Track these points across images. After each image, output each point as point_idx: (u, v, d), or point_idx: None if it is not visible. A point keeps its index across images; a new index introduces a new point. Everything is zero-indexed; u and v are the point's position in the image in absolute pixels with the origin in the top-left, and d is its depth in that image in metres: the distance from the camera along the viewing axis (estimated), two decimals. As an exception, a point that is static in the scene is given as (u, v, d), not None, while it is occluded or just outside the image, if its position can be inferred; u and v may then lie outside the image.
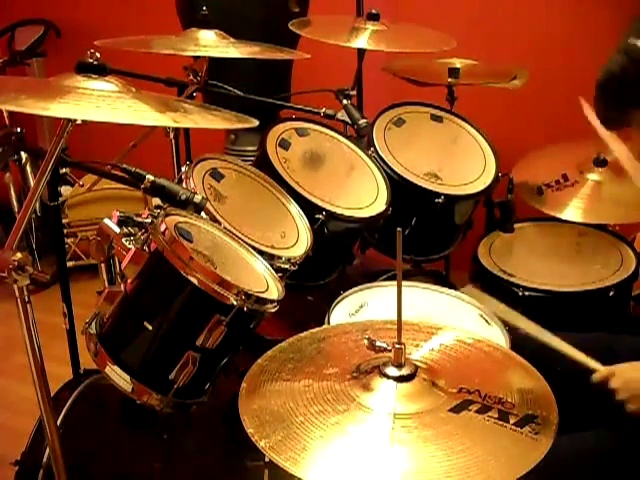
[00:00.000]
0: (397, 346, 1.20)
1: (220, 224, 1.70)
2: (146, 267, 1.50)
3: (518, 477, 1.06)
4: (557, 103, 3.08)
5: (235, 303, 1.46)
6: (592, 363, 1.53)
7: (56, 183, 1.98)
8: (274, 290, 1.60)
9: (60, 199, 2.01)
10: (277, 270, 1.69)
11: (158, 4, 3.24)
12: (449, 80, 2.58)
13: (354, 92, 2.20)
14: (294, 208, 1.91)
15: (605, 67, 1.45)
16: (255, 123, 1.54)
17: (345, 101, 2.14)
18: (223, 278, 1.47)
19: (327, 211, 1.92)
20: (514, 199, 2.28)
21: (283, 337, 1.40)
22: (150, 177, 1.56)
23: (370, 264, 2.47)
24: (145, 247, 1.50)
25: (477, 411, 1.16)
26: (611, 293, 2.11)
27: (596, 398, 1.58)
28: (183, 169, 1.81)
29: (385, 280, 2.01)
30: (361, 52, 2.51)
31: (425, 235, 2.23)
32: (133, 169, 1.58)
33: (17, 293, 1.32)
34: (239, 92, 2.27)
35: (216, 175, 1.85)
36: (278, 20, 2.69)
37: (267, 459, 1.12)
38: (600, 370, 1.51)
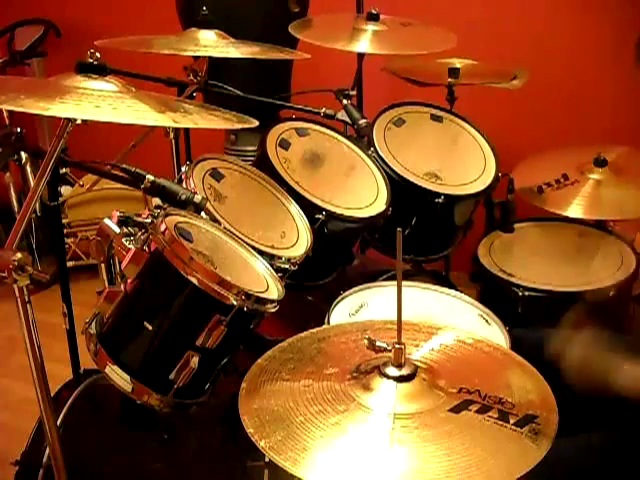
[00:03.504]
0: (397, 346, 1.20)
1: (220, 224, 1.70)
2: (146, 267, 1.50)
3: (518, 477, 1.06)
4: (557, 103, 3.09)
5: (235, 303, 1.46)
6: None
7: (56, 183, 1.98)
8: (274, 290, 1.60)
9: (60, 199, 2.01)
10: (277, 270, 1.69)
11: (158, 4, 3.25)
12: (449, 80, 2.58)
13: (354, 92, 2.20)
14: (294, 208, 1.91)
15: None
16: (255, 123, 1.54)
17: (345, 101, 2.14)
18: (223, 278, 1.47)
19: (327, 211, 1.92)
20: (514, 199, 2.28)
21: (283, 337, 1.40)
22: (150, 177, 1.56)
23: (370, 264, 2.47)
24: (145, 247, 1.50)
25: (477, 411, 1.16)
26: (611, 293, 2.11)
27: (595, 399, 1.58)
28: (183, 169, 1.81)
29: (385, 280, 2.01)
30: (361, 53, 2.51)
31: (425, 235, 2.23)
32: (133, 169, 1.58)
33: (17, 293, 1.32)
34: (239, 92, 2.27)
35: (216, 175, 1.85)
36: (278, 20, 2.69)
37: (267, 459, 1.12)
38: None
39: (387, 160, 2.16)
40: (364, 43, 2.37)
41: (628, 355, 1.48)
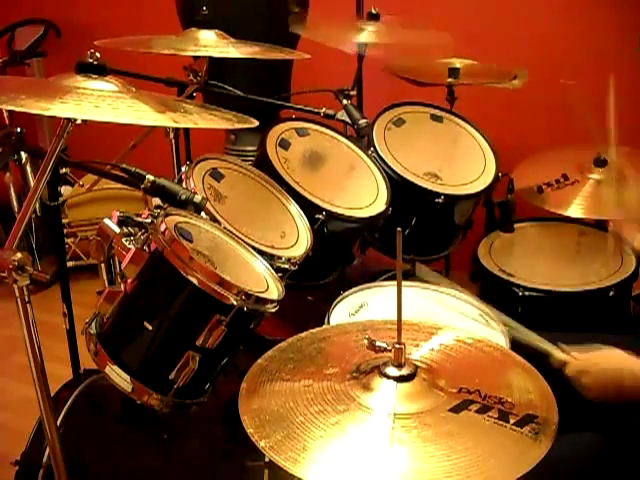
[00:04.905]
0: (397, 346, 1.20)
1: (220, 224, 1.70)
2: (146, 267, 1.50)
3: (518, 477, 1.06)
4: (557, 103, 3.08)
5: (235, 303, 1.46)
6: (547, 347, 1.55)
7: (56, 183, 1.98)
8: (274, 290, 1.60)
9: (60, 199, 2.01)
10: (277, 270, 1.69)
11: (158, 4, 3.25)
12: (449, 80, 2.58)
13: (354, 92, 2.20)
14: (294, 208, 1.91)
15: None
16: (255, 123, 1.54)
17: (345, 101, 2.14)
18: (223, 278, 1.47)
19: (327, 211, 1.92)
20: (514, 199, 2.28)
21: (283, 337, 1.40)
22: (150, 177, 1.56)
23: (370, 264, 2.47)
24: (145, 247, 1.50)
25: (477, 411, 1.16)
26: (611, 293, 2.11)
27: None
28: (183, 169, 1.81)
29: (385, 280, 2.01)
30: (361, 52, 2.52)
31: (425, 235, 2.23)
32: (133, 169, 1.58)
33: (17, 293, 1.32)
34: (239, 92, 2.27)
35: (216, 175, 1.85)
36: (278, 20, 2.69)
37: (267, 459, 1.12)
38: (557, 356, 1.54)
39: (387, 160, 2.16)
40: (363, 36, 2.37)
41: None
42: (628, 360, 1.48)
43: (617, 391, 1.47)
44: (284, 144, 2.06)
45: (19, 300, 1.32)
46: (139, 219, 1.55)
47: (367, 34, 2.41)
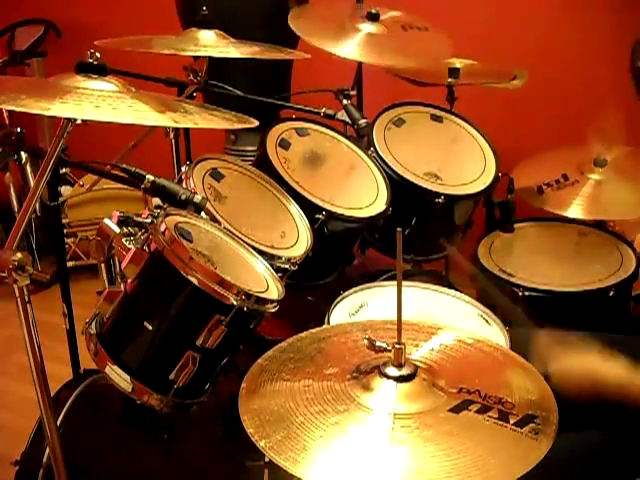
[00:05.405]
0: (397, 346, 1.20)
1: (220, 224, 1.70)
2: (146, 267, 1.50)
3: (518, 477, 1.06)
4: (557, 103, 3.09)
5: (235, 303, 1.46)
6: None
7: (56, 183, 1.98)
8: (274, 290, 1.60)
9: (60, 199, 2.01)
10: (277, 270, 1.69)
11: (158, 4, 3.25)
12: (449, 80, 2.58)
13: (354, 92, 2.20)
14: (294, 208, 1.91)
15: None
16: (255, 123, 1.54)
17: (345, 101, 2.14)
18: (223, 278, 1.47)
19: (327, 211, 1.92)
20: (514, 199, 2.28)
21: (283, 337, 1.40)
22: (150, 177, 1.56)
23: (370, 264, 2.47)
24: (145, 247, 1.50)
25: (477, 411, 1.16)
26: (611, 293, 2.11)
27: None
28: (183, 169, 1.81)
29: (385, 280, 2.01)
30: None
31: (425, 235, 2.23)
32: (133, 169, 1.58)
33: (17, 293, 1.32)
34: (239, 92, 2.28)
35: (216, 175, 1.85)
36: (278, 20, 2.68)
37: (267, 459, 1.12)
38: None
39: (387, 160, 2.16)
40: (357, 48, 2.32)
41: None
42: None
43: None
44: (284, 144, 2.06)
45: (19, 300, 1.33)
46: (139, 219, 1.55)
47: (362, 36, 2.38)
